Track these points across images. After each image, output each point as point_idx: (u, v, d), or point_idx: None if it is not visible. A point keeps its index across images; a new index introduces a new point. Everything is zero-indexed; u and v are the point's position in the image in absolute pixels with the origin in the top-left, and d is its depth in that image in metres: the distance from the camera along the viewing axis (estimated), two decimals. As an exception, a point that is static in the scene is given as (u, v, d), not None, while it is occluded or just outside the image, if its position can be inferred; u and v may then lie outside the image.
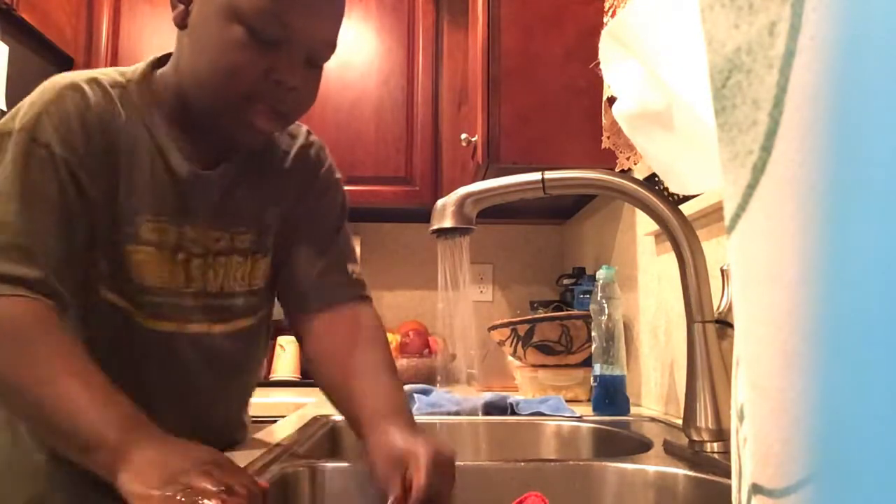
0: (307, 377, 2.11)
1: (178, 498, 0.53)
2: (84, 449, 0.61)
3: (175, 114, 0.81)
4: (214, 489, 0.53)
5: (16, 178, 0.71)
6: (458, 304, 0.89)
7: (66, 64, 2.12)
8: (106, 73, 0.80)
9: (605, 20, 1.16)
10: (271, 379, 2.09)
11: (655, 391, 1.38)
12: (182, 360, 0.83)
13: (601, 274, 1.35)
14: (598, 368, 1.32)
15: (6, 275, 0.68)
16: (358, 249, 2.43)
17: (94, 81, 0.78)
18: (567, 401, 1.39)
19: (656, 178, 1.21)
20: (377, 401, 0.78)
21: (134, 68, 0.83)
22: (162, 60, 0.84)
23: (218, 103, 0.77)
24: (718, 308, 0.90)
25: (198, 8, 0.76)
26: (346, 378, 0.82)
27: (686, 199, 1.13)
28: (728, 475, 0.51)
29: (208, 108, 0.78)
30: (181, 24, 0.77)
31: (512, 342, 1.56)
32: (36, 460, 0.79)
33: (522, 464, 0.83)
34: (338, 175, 0.97)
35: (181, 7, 0.77)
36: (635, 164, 1.21)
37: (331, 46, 0.80)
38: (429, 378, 2.06)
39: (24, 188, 0.71)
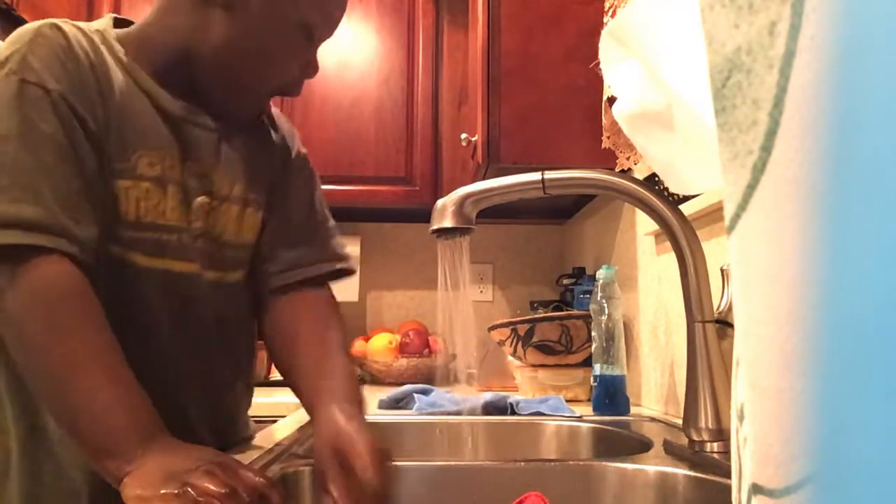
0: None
1: (176, 493, 0.52)
2: (97, 451, 0.60)
3: (165, 72, 0.80)
4: (216, 490, 0.52)
5: (11, 120, 0.67)
6: (458, 304, 0.89)
7: (66, 64, 2.12)
8: (76, 22, 0.79)
9: (605, 20, 1.15)
10: (271, 379, 2.09)
11: (655, 391, 1.38)
12: (174, 300, 0.79)
13: (601, 274, 1.35)
14: (598, 368, 1.32)
15: (12, 217, 0.64)
16: (358, 249, 2.43)
17: (68, 22, 0.76)
18: (567, 401, 1.39)
19: (656, 178, 1.21)
20: (331, 383, 0.76)
21: (99, 22, 0.82)
22: (122, 22, 0.84)
23: (244, 81, 0.81)
24: (718, 308, 0.90)
25: None
26: (301, 355, 0.83)
27: (686, 199, 1.13)
28: (728, 475, 0.51)
29: (227, 81, 0.81)
30: (227, 4, 0.77)
31: (512, 342, 1.56)
32: (69, 483, 0.74)
33: (522, 464, 0.83)
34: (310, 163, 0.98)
35: None
36: (635, 164, 1.21)
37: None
38: (429, 378, 2.06)
39: (22, 128, 0.67)
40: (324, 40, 0.84)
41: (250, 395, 1.00)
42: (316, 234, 0.93)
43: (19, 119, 0.68)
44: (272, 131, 0.93)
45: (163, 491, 0.53)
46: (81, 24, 0.78)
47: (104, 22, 0.82)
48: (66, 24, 0.75)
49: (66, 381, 0.62)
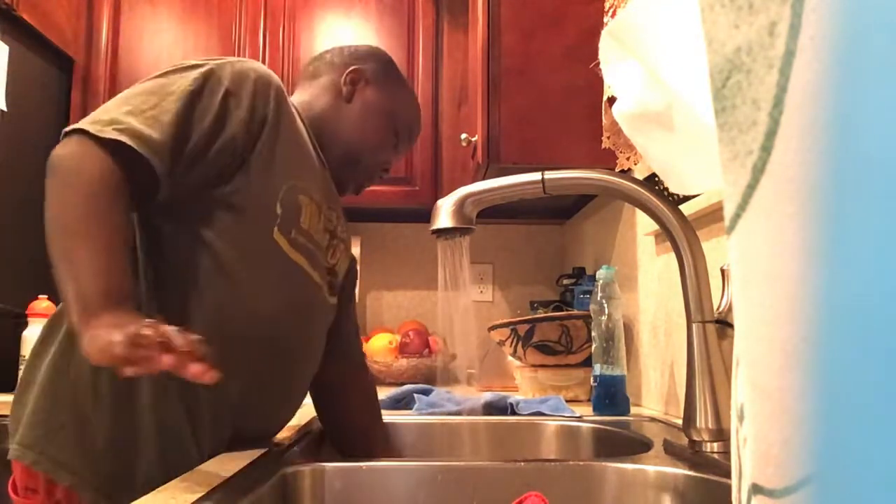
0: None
1: (121, 339, 0.64)
2: (76, 302, 0.73)
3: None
4: (152, 334, 0.65)
5: (185, 92, 0.84)
6: (458, 304, 0.89)
7: (67, 64, 2.12)
8: None
9: (605, 20, 1.15)
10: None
11: (655, 391, 1.38)
12: (312, 311, 0.97)
13: (601, 274, 1.35)
14: (598, 368, 1.32)
15: (128, 128, 0.78)
16: (358, 249, 2.43)
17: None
18: (567, 401, 1.39)
19: (656, 178, 1.21)
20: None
21: None
22: None
23: (350, 161, 1.05)
24: (718, 308, 0.90)
25: (367, 96, 1.07)
26: (367, 428, 1.16)
27: (686, 199, 1.13)
28: (728, 475, 0.51)
29: (339, 158, 1.04)
30: (347, 99, 1.06)
31: (512, 342, 1.56)
32: (77, 376, 0.85)
33: (522, 464, 0.83)
34: None
35: (350, 89, 1.06)
36: (635, 164, 1.21)
37: None
38: (429, 378, 2.06)
39: (189, 100, 0.84)
40: (401, 153, 1.12)
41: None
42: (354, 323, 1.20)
43: (191, 94, 0.85)
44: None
45: (114, 336, 0.65)
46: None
47: None
48: (272, 72, 0.96)
49: (75, 237, 0.76)
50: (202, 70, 0.87)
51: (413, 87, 1.20)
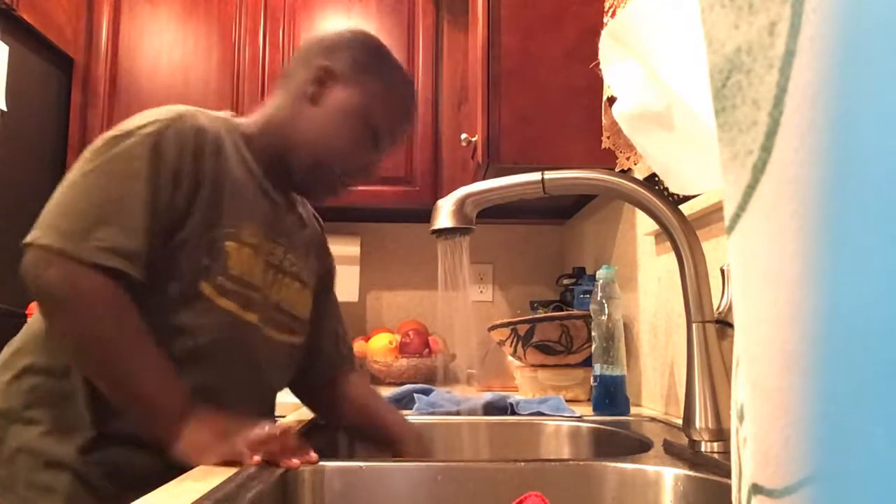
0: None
1: (228, 449, 0.74)
2: (149, 417, 0.81)
3: (263, 156, 0.99)
4: (267, 434, 0.74)
5: (144, 184, 0.85)
6: (458, 304, 0.89)
7: (66, 64, 2.12)
8: (205, 111, 0.97)
9: (605, 20, 1.15)
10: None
11: (655, 391, 1.38)
12: (252, 352, 0.96)
13: (601, 274, 1.35)
14: (598, 368, 1.32)
15: (112, 247, 0.82)
16: (358, 249, 2.43)
17: (201, 112, 0.95)
18: (567, 401, 1.39)
19: (656, 178, 1.21)
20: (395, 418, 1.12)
21: (219, 114, 1.00)
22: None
23: (320, 168, 0.99)
24: (718, 308, 0.90)
25: (336, 95, 0.98)
26: (373, 415, 1.12)
27: (686, 199, 1.13)
28: (728, 475, 0.51)
29: (306, 167, 0.99)
30: (314, 101, 0.99)
31: (512, 342, 1.56)
32: (64, 452, 0.87)
33: (522, 464, 0.83)
34: None
35: (317, 89, 0.98)
36: (635, 164, 1.21)
37: None
38: (429, 378, 2.06)
39: (151, 194, 0.86)
40: (388, 150, 1.03)
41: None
42: (339, 335, 1.18)
43: (138, 166, 0.86)
44: (311, 213, 1.15)
45: (217, 444, 0.74)
46: (210, 112, 0.97)
47: (227, 113, 1.03)
48: (203, 114, 0.95)
49: (121, 366, 0.82)
50: (145, 151, 0.86)
51: (406, 72, 1.12)
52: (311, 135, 0.98)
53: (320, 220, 1.19)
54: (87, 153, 0.88)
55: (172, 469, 0.75)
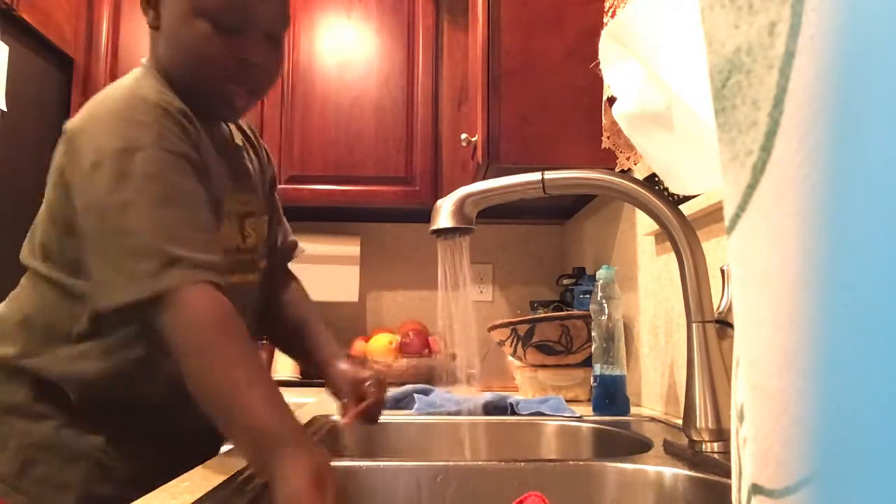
0: (308, 377, 2.11)
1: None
2: (258, 443, 0.68)
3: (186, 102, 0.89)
4: None
5: (164, 184, 0.78)
6: (458, 304, 0.89)
7: (66, 64, 2.12)
8: (143, 84, 0.88)
9: (605, 20, 1.15)
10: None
11: (655, 391, 1.38)
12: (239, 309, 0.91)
13: (601, 274, 1.35)
14: (598, 368, 1.32)
15: (195, 259, 0.76)
16: (358, 249, 2.43)
17: (150, 89, 0.87)
18: (567, 401, 1.39)
19: (656, 178, 1.21)
20: (328, 347, 1.06)
21: (144, 70, 0.92)
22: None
23: (201, 90, 0.89)
24: (718, 308, 0.90)
25: (167, 9, 0.88)
26: (300, 330, 1.08)
27: (686, 199, 1.13)
28: (728, 475, 0.51)
29: (194, 95, 0.89)
30: (154, 25, 0.89)
31: (512, 342, 1.56)
32: (87, 444, 0.86)
33: (522, 464, 0.83)
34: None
35: (151, 12, 0.89)
36: (635, 164, 1.21)
37: (285, 19, 0.94)
38: (429, 378, 2.06)
39: (174, 191, 0.79)
40: (245, 31, 0.87)
41: None
42: (283, 226, 1.15)
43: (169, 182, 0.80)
44: (243, 128, 1.08)
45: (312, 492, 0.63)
46: (144, 82, 0.88)
47: (139, 71, 0.92)
48: (150, 91, 0.86)
49: (231, 401, 0.71)
50: (174, 147, 0.81)
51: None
52: (173, 60, 0.89)
53: (245, 127, 1.08)
54: (105, 180, 0.78)
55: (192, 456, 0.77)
